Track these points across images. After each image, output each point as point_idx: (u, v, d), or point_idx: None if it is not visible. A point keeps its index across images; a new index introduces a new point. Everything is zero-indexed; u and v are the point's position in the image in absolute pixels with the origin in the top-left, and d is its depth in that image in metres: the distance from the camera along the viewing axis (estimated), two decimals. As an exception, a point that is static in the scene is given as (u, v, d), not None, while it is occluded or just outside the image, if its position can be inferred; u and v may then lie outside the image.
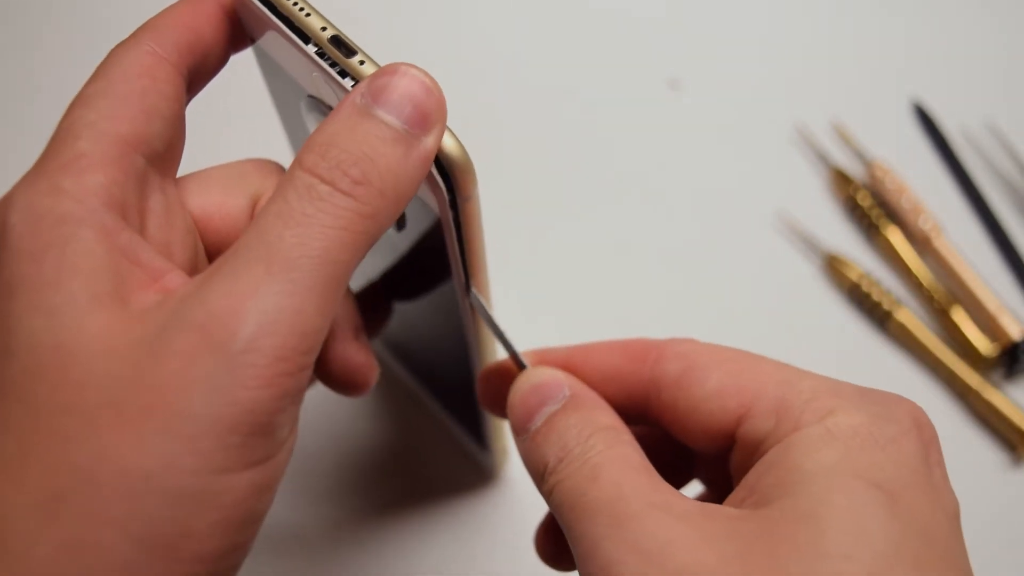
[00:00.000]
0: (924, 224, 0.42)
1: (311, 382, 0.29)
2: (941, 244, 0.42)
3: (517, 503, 0.36)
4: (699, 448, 0.23)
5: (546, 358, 0.25)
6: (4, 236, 0.19)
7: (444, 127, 0.20)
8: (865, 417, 0.19)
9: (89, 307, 0.18)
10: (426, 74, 0.19)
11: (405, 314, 0.31)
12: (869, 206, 0.43)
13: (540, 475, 0.22)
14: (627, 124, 0.47)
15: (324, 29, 0.21)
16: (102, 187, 0.19)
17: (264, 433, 0.18)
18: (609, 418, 0.23)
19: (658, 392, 0.23)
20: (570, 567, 0.26)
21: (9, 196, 0.19)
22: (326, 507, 0.36)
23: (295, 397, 0.18)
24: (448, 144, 0.20)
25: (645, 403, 0.24)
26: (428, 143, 0.20)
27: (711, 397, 0.22)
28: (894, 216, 0.43)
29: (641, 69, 0.49)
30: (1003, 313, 0.39)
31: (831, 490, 0.18)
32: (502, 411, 0.26)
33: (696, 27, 0.51)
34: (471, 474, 0.37)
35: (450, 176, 0.20)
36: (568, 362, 0.25)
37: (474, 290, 0.25)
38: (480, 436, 0.34)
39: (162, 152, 0.21)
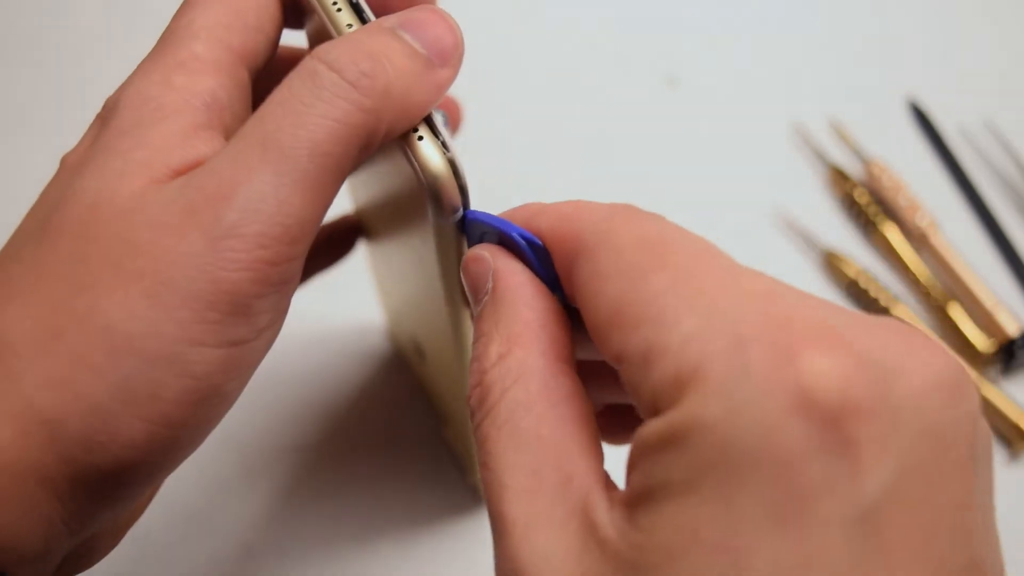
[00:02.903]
0: (921, 221, 0.42)
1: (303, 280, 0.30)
2: (938, 241, 0.42)
3: None
4: None
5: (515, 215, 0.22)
6: (111, 112, 0.20)
7: (459, 69, 0.21)
8: (719, 409, 0.15)
9: (134, 175, 0.19)
10: (455, 21, 0.21)
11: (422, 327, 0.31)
12: (867, 203, 0.43)
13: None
14: (625, 123, 0.47)
15: (350, 26, 0.21)
16: (209, 91, 0.20)
17: (241, 314, 0.19)
18: (525, 315, 0.19)
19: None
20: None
21: (126, 83, 0.21)
22: (306, 518, 0.36)
23: (278, 286, 0.19)
24: (433, 160, 0.21)
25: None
26: (443, 73, 0.21)
27: (599, 325, 0.18)
28: (891, 213, 0.43)
29: (639, 68, 0.49)
30: (1000, 309, 0.40)
31: (677, 565, 0.15)
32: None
33: (694, 26, 0.51)
34: (462, 493, 0.36)
35: (436, 191, 0.21)
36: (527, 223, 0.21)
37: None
38: (463, 458, 0.35)
39: (260, 70, 0.22)
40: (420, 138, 0.21)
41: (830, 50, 0.50)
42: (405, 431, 0.38)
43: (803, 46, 0.50)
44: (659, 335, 0.16)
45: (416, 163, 0.21)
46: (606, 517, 0.17)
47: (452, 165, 0.21)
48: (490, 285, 0.20)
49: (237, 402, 0.20)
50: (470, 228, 0.22)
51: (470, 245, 0.22)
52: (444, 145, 0.21)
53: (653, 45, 0.50)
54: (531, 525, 0.17)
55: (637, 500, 0.16)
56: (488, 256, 0.21)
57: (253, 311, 0.19)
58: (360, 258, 0.35)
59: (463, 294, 0.24)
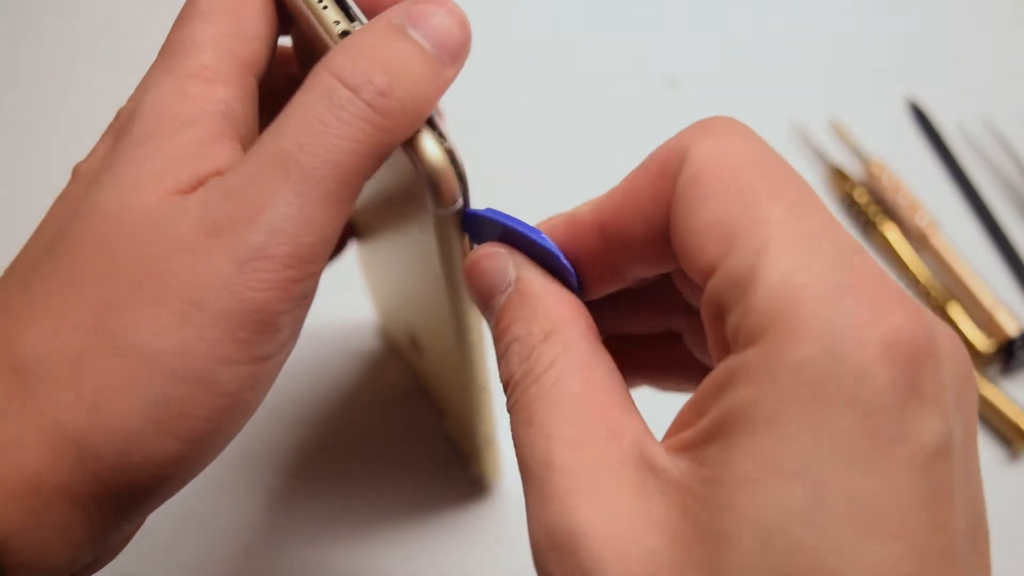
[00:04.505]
0: (921, 221, 0.42)
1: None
2: (938, 241, 0.42)
3: (512, 518, 0.36)
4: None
5: (574, 221, 0.22)
6: (127, 123, 0.21)
7: (464, 64, 0.21)
8: (817, 349, 0.15)
9: (155, 185, 0.19)
10: (461, 11, 0.21)
11: (413, 307, 0.31)
12: (866, 203, 0.43)
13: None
14: (624, 123, 0.47)
15: (337, 23, 0.21)
16: (224, 100, 0.21)
17: (269, 331, 0.19)
18: (559, 309, 0.20)
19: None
20: None
21: (141, 94, 0.21)
22: (307, 517, 0.36)
23: (301, 301, 0.19)
24: (431, 152, 0.21)
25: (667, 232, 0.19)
26: (452, 72, 0.21)
27: (699, 231, 0.18)
28: (891, 213, 0.43)
29: (638, 68, 0.49)
30: (999, 309, 0.40)
31: (753, 493, 0.15)
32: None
33: (693, 25, 0.51)
34: (466, 485, 0.36)
35: (435, 182, 0.21)
36: (597, 216, 0.21)
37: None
38: (466, 450, 0.35)
39: (262, 77, 0.22)
40: (416, 131, 0.21)
41: (830, 50, 0.50)
42: (403, 426, 0.38)
43: (803, 46, 0.50)
44: (762, 262, 0.16)
45: (415, 156, 0.21)
46: (667, 460, 0.17)
47: (450, 155, 0.21)
48: (512, 277, 0.21)
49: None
50: (474, 225, 0.22)
51: (474, 242, 0.22)
52: (441, 135, 0.21)
53: (653, 45, 0.50)
54: (583, 471, 0.17)
55: (710, 437, 0.16)
56: (504, 251, 0.21)
57: (278, 327, 0.19)
58: (343, 259, 0.35)
59: (464, 282, 0.24)
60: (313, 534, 0.35)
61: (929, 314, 0.17)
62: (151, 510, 0.20)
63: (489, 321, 0.21)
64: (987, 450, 0.38)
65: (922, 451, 0.15)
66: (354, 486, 0.36)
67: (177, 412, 0.18)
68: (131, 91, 0.21)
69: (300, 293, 0.19)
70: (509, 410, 0.20)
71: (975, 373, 0.18)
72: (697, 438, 0.17)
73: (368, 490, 0.36)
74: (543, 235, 0.21)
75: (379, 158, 0.20)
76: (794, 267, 0.16)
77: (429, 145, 0.21)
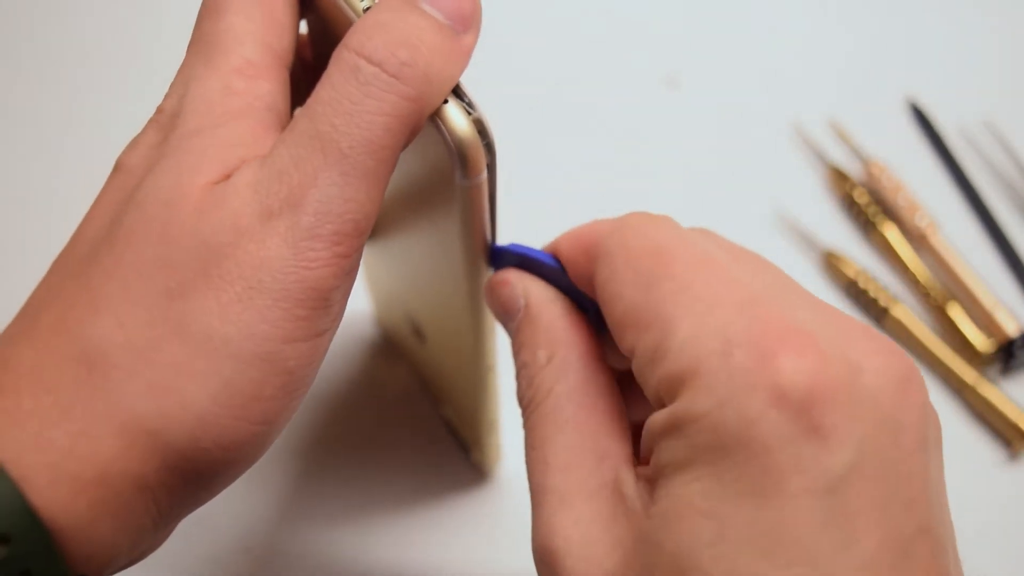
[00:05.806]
0: (920, 221, 0.42)
1: None
2: (937, 241, 0.42)
3: (512, 503, 0.36)
4: None
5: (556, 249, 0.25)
6: (177, 118, 0.21)
7: (479, 32, 0.22)
8: (713, 402, 0.18)
9: (208, 172, 0.20)
10: None
11: (420, 295, 0.31)
12: (866, 203, 0.43)
13: None
14: (624, 123, 0.47)
15: (362, 0, 0.22)
16: (269, 94, 0.21)
17: (323, 307, 0.20)
18: (560, 332, 0.23)
19: None
20: None
21: (182, 90, 0.21)
22: (307, 508, 0.36)
23: (348, 275, 0.20)
24: (459, 123, 0.21)
25: None
26: (467, 39, 0.21)
27: (616, 323, 0.21)
28: (891, 213, 0.43)
29: (638, 67, 0.49)
30: (999, 309, 0.40)
31: (671, 530, 0.18)
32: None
33: (693, 25, 0.51)
34: (465, 472, 0.37)
35: (463, 153, 0.21)
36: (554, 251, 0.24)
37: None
38: (466, 437, 0.35)
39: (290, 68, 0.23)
40: (444, 101, 0.21)
41: (830, 50, 0.50)
42: (402, 415, 0.38)
43: (803, 46, 0.50)
44: (663, 338, 0.19)
45: (442, 126, 0.21)
46: (633, 490, 0.20)
47: (478, 124, 0.21)
48: (522, 303, 0.23)
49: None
50: (498, 259, 0.24)
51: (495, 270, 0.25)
52: (470, 105, 0.21)
53: (653, 45, 0.50)
54: (568, 494, 0.20)
55: (654, 476, 0.19)
56: (515, 279, 0.24)
57: (331, 302, 0.20)
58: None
59: (484, 255, 0.24)
60: (313, 525, 0.35)
61: (828, 345, 0.18)
62: (216, 494, 0.20)
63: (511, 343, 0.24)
64: (987, 450, 0.38)
65: (822, 478, 0.17)
66: (355, 477, 0.36)
67: (248, 394, 0.19)
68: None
69: (348, 268, 0.20)
70: (524, 430, 0.22)
71: (918, 382, 0.19)
72: (649, 474, 0.19)
73: (369, 480, 0.36)
74: (552, 257, 0.24)
75: (412, 130, 0.20)
76: (688, 335, 0.19)
77: (456, 115, 0.21)
